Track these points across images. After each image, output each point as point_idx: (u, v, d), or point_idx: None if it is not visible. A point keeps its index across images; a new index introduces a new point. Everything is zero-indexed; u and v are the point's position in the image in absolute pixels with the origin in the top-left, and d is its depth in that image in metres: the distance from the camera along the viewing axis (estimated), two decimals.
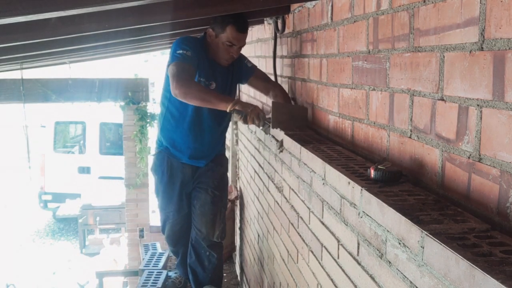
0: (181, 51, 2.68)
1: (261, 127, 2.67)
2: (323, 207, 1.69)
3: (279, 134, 2.38)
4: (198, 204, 3.16)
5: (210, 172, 3.14)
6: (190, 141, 3.04)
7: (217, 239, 3.21)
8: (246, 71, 3.02)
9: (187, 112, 2.94)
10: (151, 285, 3.75)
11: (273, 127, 2.44)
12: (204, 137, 3.05)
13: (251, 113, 2.53)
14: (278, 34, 2.98)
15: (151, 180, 3.48)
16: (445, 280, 0.91)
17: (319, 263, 1.76)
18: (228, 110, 2.55)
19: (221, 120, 3.09)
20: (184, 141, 3.04)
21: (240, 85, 4.14)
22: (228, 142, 4.77)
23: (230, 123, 4.29)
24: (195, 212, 3.19)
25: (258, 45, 3.80)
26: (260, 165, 3.10)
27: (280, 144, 2.36)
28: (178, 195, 3.14)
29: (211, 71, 2.88)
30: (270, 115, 2.51)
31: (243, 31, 2.75)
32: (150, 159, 6.62)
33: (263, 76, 3.04)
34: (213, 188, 3.14)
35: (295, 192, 2.10)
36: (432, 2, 1.27)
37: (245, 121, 2.56)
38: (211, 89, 2.84)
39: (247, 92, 4.37)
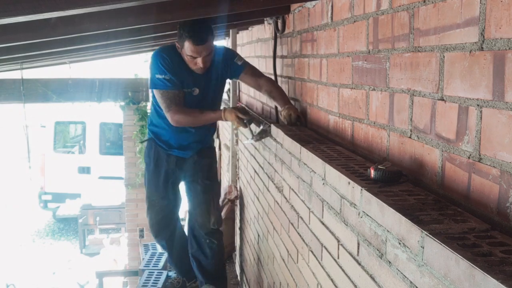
0: (160, 76, 2.79)
1: (261, 126, 2.68)
2: (323, 207, 1.69)
3: (279, 133, 2.38)
4: (191, 196, 3.31)
5: (196, 164, 3.22)
6: (174, 138, 3.12)
7: (214, 225, 3.31)
8: (236, 69, 2.99)
9: None
10: (151, 285, 3.75)
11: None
12: (189, 135, 3.11)
13: (234, 122, 2.67)
14: (278, 34, 2.98)
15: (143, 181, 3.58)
16: (445, 280, 0.91)
17: (319, 263, 1.76)
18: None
19: None
20: (169, 137, 3.13)
21: (241, 85, 4.15)
22: (228, 142, 4.77)
23: (230, 123, 4.29)
24: (190, 204, 3.34)
25: (258, 45, 3.80)
26: (260, 165, 3.10)
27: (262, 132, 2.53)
28: (163, 182, 3.22)
29: (192, 77, 2.90)
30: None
31: (200, 43, 2.72)
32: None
33: (254, 72, 3.01)
34: (202, 178, 3.24)
35: (295, 192, 2.10)
36: (432, 2, 1.27)
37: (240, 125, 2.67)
38: (202, 112, 2.88)
39: (247, 92, 4.37)
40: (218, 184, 3.47)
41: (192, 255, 3.44)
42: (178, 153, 3.17)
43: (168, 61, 2.82)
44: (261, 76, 2.99)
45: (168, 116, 2.83)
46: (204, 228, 3.29)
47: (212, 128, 3.34)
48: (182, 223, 3.80)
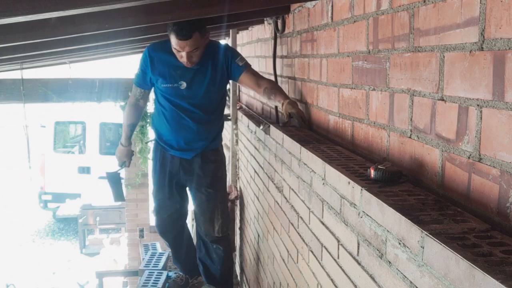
0: (136, 71, 3.08)
1: (261, 127, 2.66)
2: (323, 207, 1.69)
3: (278, 133, 2.38)
4: (195, 204, 3.32)
5: (200, 170, 3.18)
6: (174, 137, 3.12)
7: (219, 233, 3.30)
8: (236, 69, 2.95)
9: (168, 107, 3.05)
10: (151, 286, 3.75)
11: None
12: (186, 131, 3.08)
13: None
14: (278, 34, 2.98)
15: (151, 180, 3.53)
16: (445, 280, 0.91)
17: (319, 263, 1.76)
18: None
19: (204, 116, 3.07)
20: (168, 135, 3.14)
21: (241, 86, 4.14)
22: (228, 142, 4.77)
23: (230, 123, 4.29)
24: (195, 211, 3.37)
25: (258, 45, 3.80)
26: (260, 165, 3.10)
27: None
28: (168, 183, 3.24)
29: (180, 71, 2.93)
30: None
31: (183, 38, 2.73)
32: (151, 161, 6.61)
33: (255, 74, 2.94)
34: (206, 187, 3.22)
35: (295, 192, 2.10)
36: (432, 2, 1.27)
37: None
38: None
39: (246, 92, 4.37)
40: (223, 190, 3.40)
41: (199, 258, 3.49)
42: (180, 154, 3.15)
43: (146, 57, 2.98)
44: (261, 77, 2.93)
45: None
46: (208, 236, 3.33)
47: (215, 126, 3.20)
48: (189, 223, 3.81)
